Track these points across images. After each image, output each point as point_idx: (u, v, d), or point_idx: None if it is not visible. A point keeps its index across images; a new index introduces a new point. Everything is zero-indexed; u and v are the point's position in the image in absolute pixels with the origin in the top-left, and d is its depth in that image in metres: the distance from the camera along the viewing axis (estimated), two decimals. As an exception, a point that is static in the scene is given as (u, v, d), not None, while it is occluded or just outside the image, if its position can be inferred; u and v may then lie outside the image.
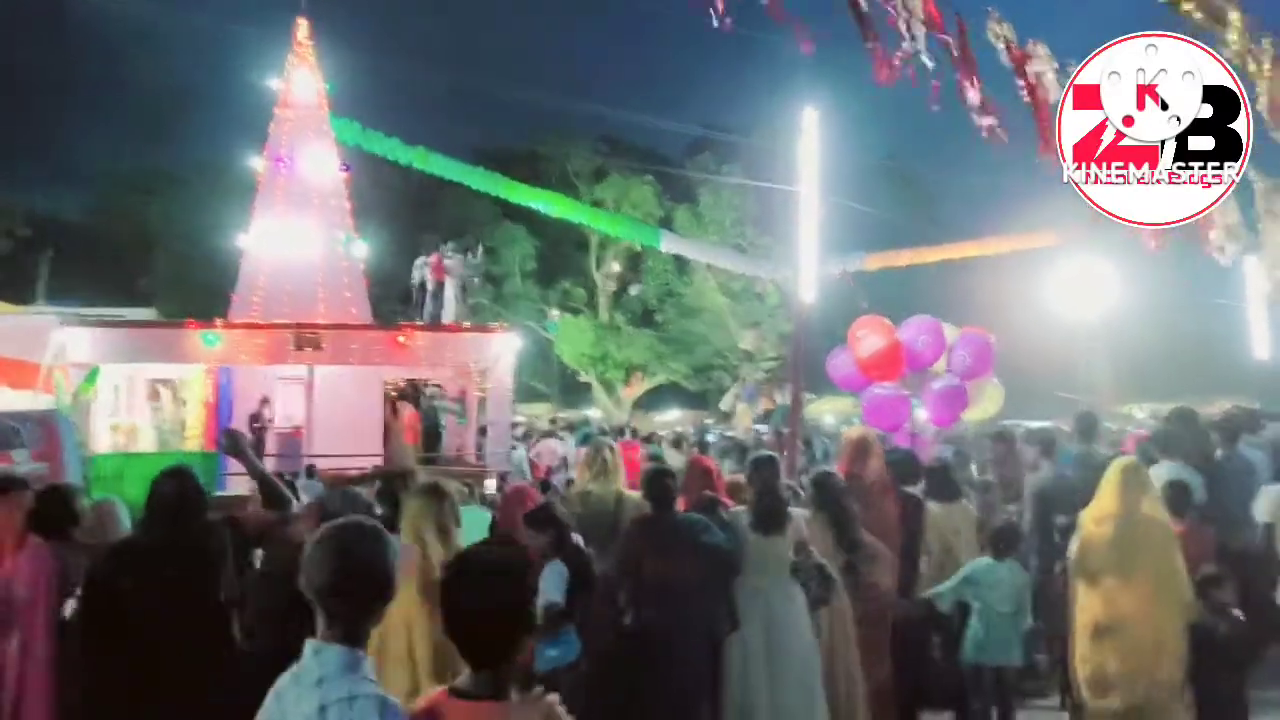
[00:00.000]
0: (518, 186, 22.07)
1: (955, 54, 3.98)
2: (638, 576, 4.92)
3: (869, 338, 9.87)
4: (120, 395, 18.13)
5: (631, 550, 4.98)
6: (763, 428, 27.99)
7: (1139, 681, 5.02)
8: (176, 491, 4.04)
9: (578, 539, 4.79)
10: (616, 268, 38.68)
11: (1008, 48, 4.07)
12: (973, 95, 4.06)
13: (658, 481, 5.13)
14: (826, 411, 35.93)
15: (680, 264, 36.61)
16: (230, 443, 4.57)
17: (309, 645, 2.28)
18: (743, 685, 4.90)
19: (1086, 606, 5.30)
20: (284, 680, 2.30)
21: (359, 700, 2.13)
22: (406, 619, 3.60)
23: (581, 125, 38.24)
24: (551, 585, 4.28)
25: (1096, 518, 5.33)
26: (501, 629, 2.27)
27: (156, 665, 3.85)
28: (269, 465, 15.51)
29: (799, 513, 5.29)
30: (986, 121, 4.12)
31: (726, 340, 36.02)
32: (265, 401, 17.31)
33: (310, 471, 11.35)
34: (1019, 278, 24.27)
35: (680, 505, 5.41)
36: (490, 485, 13.61)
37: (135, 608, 3.88)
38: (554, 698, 2.44)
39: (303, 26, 20.99)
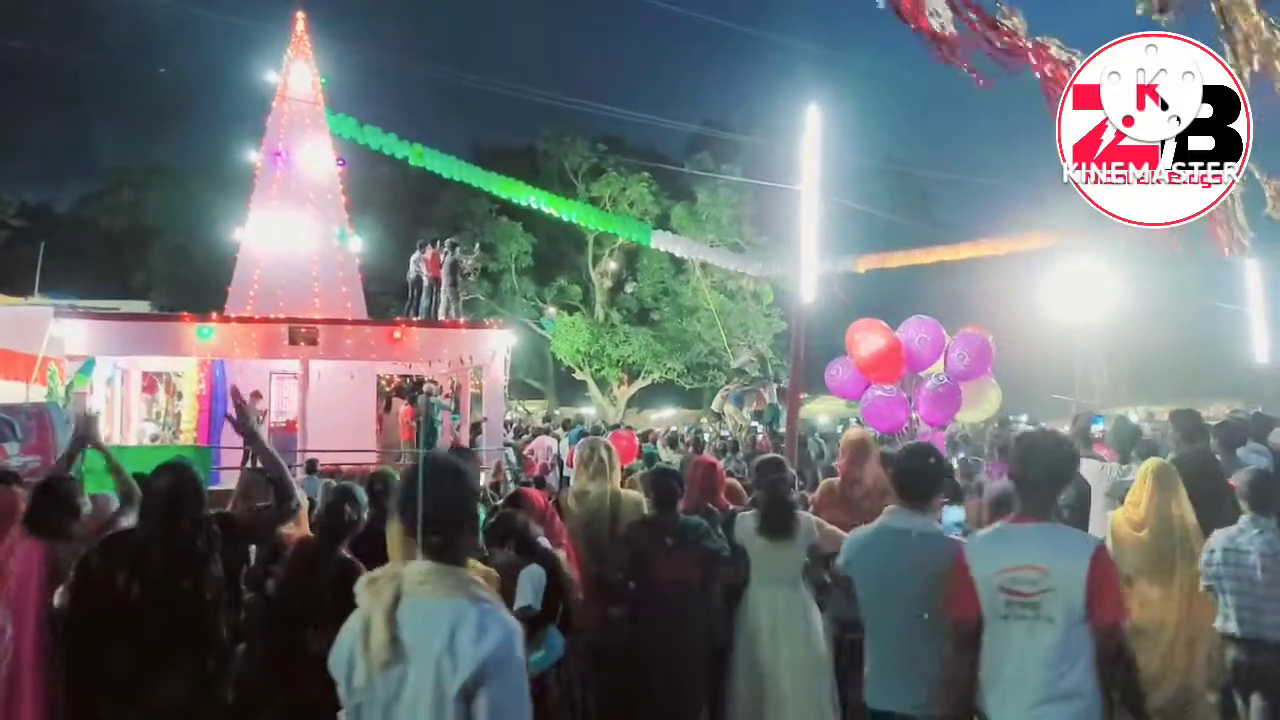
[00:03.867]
0: (510, 182, 21.99)
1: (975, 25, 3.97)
2: (636, 577, 4.87)
3: (869, 338, 9.83)
4: (115, 388, 18.09)
5: (631, 551, 4.93)
6: (757, 425, 27.96)
7: (1171, 682, 5.07)
8: (171, 486, 3.98)
9: (544, 541, 4.69)
10: (613, 265, 38.65)
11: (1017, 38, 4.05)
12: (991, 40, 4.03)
13: (662, 481, 5.06)
14: (821, 412, 35.96)
15: (676, 262, 36.57)
16: (242, 420, 4.19)
17: None
18: (748, 695, 4.79)
19: None
20: None
21: None
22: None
23: (579, 122, 38.24)
24: (527, 590, 4.23)
25: (1131, 520, 5.33)
26: None
27: (142, 660, 3.82)
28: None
29: (809, 515, 5.17)
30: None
31: (722, 339, 35.96)
32: (257, 395, 17.24)
33: (311, 467, 11.27)
34: (1016, 279, 24.24)
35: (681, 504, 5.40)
36: (483, 479, 13.56)
37: (124, 602, 3.85)
38: None
39: (300, 21, 20.96)
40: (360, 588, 2.48)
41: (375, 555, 3.79)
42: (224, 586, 4.00)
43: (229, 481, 12.70)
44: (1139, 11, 3.94)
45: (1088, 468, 6.60)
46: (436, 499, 2.44)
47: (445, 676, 2.28)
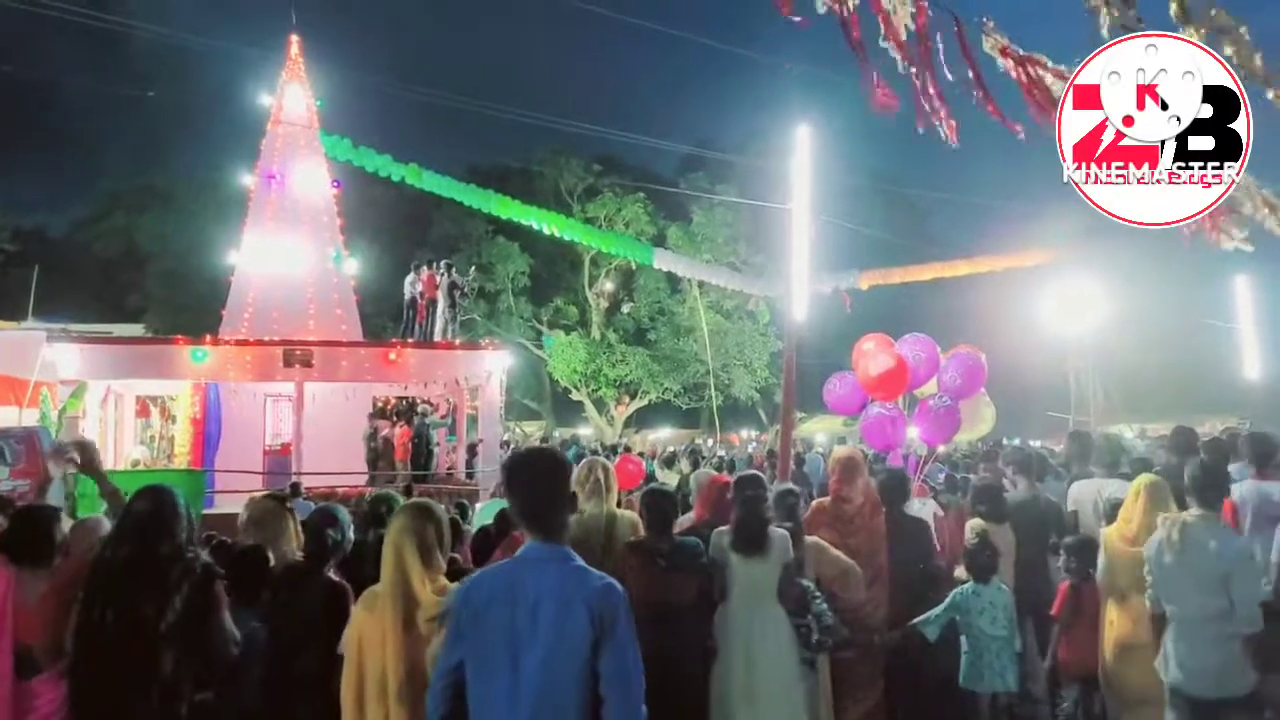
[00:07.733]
0: (509, 202, 21.94)
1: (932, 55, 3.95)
2: (632, 599, 4.81)
3: (879, 358, 9.73)
4: (108, 412, 18.01)
5: (625, 572, 4.87)
6: (753, 446, 27.89)
7: (1161, 698, 5.00)
8: (149, 511, 3.92)
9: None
10: (609, 286, 38.71)
11: (1004, 54, 4.03)
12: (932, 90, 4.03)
13: (655, 502, 5.03)
14: (818, 430, 35.96)
15: (672, 282, 36.62)
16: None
17: None
18: (722, 713, 4.78)
19: (1116, 623, 5.28)
20: None
21: None
22: (383, 641, 3.51)
23: (575, 144, 38.37)
24: None
25: (1124, 536, 5.30)
26: None
27: (112, 687, 3.76)
28: (261, 483, 15.46)
29: (783, 533, 5.12)
30: (942, 113, 4.08)
31: (718, 359, 35.96)
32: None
33: (296, 489, 11.12)
34: (1011, 296, 24.30)
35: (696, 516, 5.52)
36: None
37: (89, 625, 3.79)
38: None
39: (294, 44, 21.03)
40: (1159, 521, 4.78)
41: (365, 575, 3.75)
42: (185, 622, 3.81)
43: (224, 505, 12.60)
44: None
45: (1083, 485, 6.58)
46: None
47: (1210, 563, 4.33)
